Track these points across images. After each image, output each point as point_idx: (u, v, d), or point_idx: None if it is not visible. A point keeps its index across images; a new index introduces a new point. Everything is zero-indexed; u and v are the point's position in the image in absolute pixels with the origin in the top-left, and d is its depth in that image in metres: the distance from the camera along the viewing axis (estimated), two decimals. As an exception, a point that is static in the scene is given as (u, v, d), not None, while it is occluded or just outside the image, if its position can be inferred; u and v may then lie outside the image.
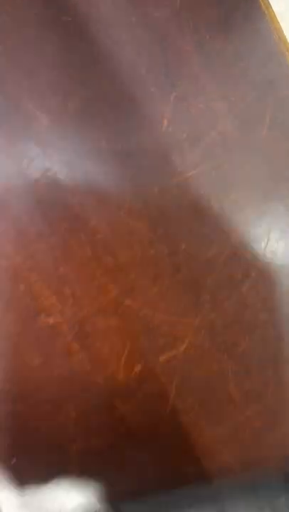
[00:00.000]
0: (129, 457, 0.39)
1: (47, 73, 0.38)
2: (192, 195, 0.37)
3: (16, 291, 0.38)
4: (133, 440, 0.40)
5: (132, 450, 0.40)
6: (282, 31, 0.40)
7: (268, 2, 0.40)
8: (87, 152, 0.38)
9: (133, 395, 0.39)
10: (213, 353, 0.38)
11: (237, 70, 0.40)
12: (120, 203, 0.38)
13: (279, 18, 0.40)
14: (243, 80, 0.40)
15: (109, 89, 0.38)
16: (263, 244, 0.38)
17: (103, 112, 0.38)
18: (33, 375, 0.39)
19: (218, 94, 0.39)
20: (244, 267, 0.38)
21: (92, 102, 0.38)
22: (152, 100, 0.38)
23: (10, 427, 0.39)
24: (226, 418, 0.39)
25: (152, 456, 0.40)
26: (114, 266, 0.38)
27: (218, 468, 0.39)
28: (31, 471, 0.39)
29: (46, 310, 0.38)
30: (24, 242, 0.38)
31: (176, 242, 0.38)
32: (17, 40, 0.37)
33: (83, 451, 0.41)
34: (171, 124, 0.38)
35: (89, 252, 0.38)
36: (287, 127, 0.38)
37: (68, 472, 0.39)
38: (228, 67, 0.40)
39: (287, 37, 0.41)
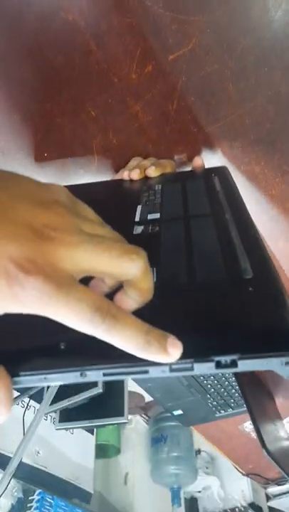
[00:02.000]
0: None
1: None
2: None
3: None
4: (144, 137, 0.49)
5: (144, 146, 0.49)
6: None
7: None
8: None
9: (144, 94, 0.45)
10: (216, 52, 0.43)
11: None
12: None
13: None
14: None
15: None
16: None
17: None
18: (57, 74, 0.44)
19: None
20: None
21: None
22: None
23: (43, 129, 0.47)
24: (222, 116, 0.47)
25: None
26: None
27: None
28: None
29: (65, 8, 0.41)
30: None
31: None
32: None
33: (102, 146, 0.49)
34: None
35: None
36: None
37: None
38: None
39: None
